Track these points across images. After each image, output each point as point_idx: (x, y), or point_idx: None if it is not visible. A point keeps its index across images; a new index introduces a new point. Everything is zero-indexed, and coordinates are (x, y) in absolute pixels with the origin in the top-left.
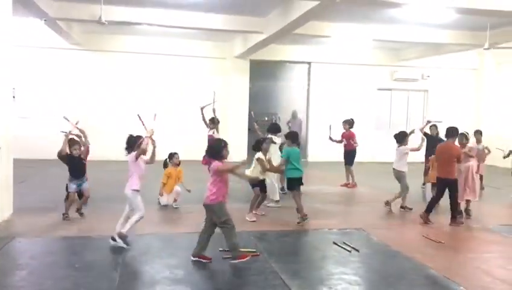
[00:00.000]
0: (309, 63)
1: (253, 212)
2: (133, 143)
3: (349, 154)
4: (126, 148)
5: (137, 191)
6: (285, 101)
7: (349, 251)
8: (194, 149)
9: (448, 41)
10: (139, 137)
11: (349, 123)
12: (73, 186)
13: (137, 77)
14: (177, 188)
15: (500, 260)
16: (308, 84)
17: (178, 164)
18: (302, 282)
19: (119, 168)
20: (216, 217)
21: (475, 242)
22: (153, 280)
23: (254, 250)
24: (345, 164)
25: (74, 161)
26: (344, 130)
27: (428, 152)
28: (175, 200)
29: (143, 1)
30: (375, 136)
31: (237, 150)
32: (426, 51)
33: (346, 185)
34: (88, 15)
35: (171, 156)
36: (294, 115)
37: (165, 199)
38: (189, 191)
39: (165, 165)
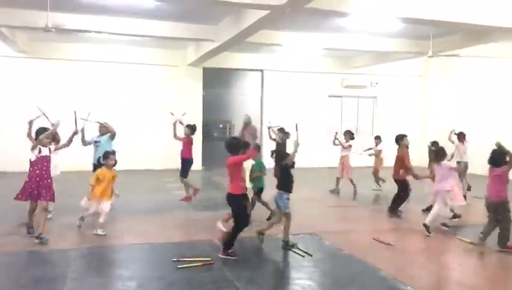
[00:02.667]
0: (262, 71)
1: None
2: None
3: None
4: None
5: None
6: (239, 108)
7: (303, 256)
8: (147, 158)
9: (394, 49)
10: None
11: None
12: None
13: (88, 85)
14: (107, 205)
15: (448, 260)
16: (262, 92)
17: (113, 166)
18: (256, 288)
19: (67, 177)
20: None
21: (423, 243)
22: None
23: (209, 259)
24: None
25: None
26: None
27: None
28: (100, 224)
29: (92, 8)
30: (326, 142)
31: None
32: (374, 58)
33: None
34: (34, 22)
35: (107, 155)
36: (247, 119)
37: (93, 205)
38: (118, 195)
39: (95, 167)
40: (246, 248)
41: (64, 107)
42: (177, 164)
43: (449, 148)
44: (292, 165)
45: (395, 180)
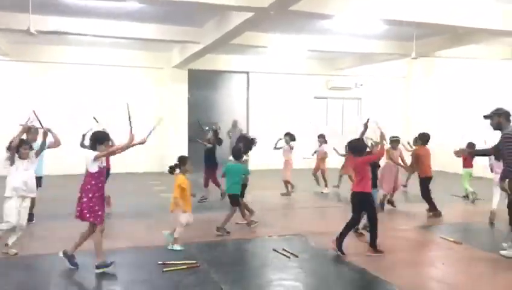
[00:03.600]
0: (247, 73)
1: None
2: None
3: None
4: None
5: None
6: (225, 110)
7: (289, 257)
8: (131, 161)
9: (378, 51)
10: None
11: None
12: None
13: (71, 88)
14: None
15: (432, 259)
16: (248, 94)
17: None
18: None
19: (50, 182)
20: None
21: (407, 242)
22: None
23: (194, 261)
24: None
25: None
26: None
27: None
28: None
29: (75, 10)
30: (313, 143)
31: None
32: (358, 60)
33: None
34: (16, 24)
35: (184, 160)
36: (234, 125)
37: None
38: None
39: (171, 171)
40: (232, 250)
41: (48, 110)
42: (161, 167)
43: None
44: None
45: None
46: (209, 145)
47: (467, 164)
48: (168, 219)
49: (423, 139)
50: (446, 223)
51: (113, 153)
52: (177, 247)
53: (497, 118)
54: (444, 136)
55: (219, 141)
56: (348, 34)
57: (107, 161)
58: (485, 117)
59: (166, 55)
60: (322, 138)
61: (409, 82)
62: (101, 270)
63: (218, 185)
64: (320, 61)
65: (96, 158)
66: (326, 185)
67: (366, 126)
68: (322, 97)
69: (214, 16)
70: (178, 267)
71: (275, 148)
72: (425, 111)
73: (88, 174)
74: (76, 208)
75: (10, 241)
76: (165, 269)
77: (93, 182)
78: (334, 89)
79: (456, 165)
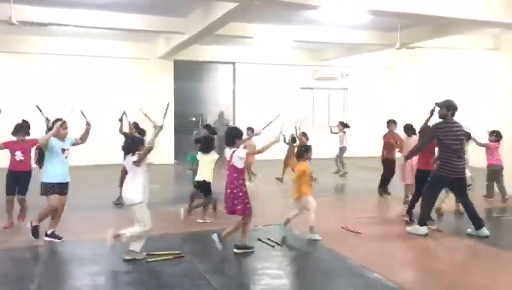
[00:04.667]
0: (233, 64)
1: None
2: None
3: None
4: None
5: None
6: (211, 101)
7: (273, 246)
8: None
9: (363, 41)
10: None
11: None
12: None
13: (55, 80)
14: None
15: (414, 247)
16: (234, 84)
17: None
18: (227, 280)
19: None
20: None
21: (390, 231)
22: (71, 288)
23: (179, 252)
24: None
25: None
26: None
27: None
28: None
29: (58, 0)
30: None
31: (164, 152)
32: (344, 51)
33: None
34: None
35: (308, 149)
36: (220, 116)
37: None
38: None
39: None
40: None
41: (30, 102)
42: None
43: None
44: None
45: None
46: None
47: None
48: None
49: (411, 130)
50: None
51: (261, 151)
52: (316, 236)
53: (446, 110)
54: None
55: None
56: (334, 24)
57: None
58: (436, 104)
59: (152, 46)
60: (250, 131)
61: (394, 72)
62: (241, 251)
63: None
64: (306, 52)
65: (246, 155)
66: (250, 179)
67: (432, 113)
68: (308, 88)
69: (199, 6)
70: (162, 258)
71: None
72: (411, 101)
73: (238, 171)
74: (226, 203)
75: (138, 246)
76: (149, 260)
77: (241, 177)
78: (320, 79)
79: None
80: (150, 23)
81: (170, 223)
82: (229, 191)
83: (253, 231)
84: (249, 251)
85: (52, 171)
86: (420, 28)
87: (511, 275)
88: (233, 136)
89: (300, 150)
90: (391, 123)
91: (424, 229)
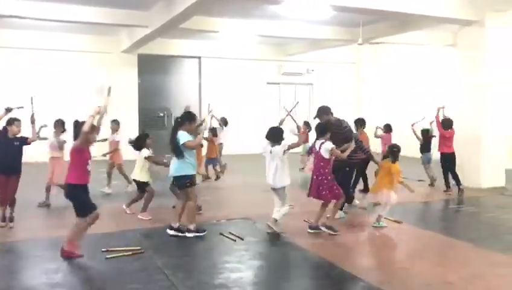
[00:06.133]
0: (199, 58)
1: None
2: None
3: None
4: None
5: None
6: (177, 96)
7: (234, 240)
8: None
9: (327, 36)
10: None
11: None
12: None
13: (14, 74)
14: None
15: (373, 240)
16: (200, 79)
17: None
18: (185, 275)
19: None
20: None
21: (351, 224)
22: (26, 286)
23: (138, 248)
24: None
25: None
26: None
27: None
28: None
29: None
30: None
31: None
32: (309, 46)
33: None
34: None
35: (396, 147)
36: (186, 110)
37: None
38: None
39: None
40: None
41: None
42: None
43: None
44: None
45: None
46: None
47: (306, 140)
48: (112, 207)
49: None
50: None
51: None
52: (383, 223)
53: (325, 116)
54: (394, 119)
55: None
56: (298, 19)
57: None
58: (314, 118)
59: (115, 39)
60: (116, 124)
61: (358, 68)
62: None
63: None
64: (272, 47)
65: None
66: (108, 185)
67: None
68: (274, 83)
69: None
70: (122, 254)
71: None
72: (375, 96)
73: (324, 160)
74: (311, 189)
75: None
76: (108, 256)
77: (327, 167)
78: (286, 74)
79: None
80: (112, 17)
81: (130, 219)
82: (315, 177)
83: (214, 225)
84: (336, 233)
85: None
86: (382, 24)
87: (464, 263)
88: (323, 130)
89: (393, 150)
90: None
91: (341, 213)
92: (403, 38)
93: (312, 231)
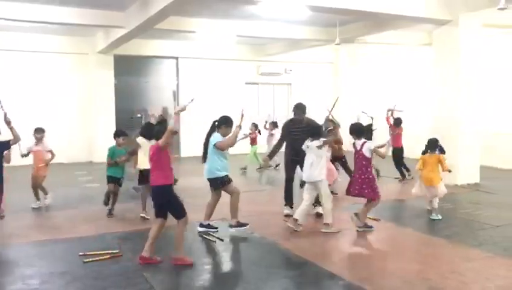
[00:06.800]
0: (177, 58)
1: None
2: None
3: None
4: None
5: None
6: (154, 97)
7: (214, 241)
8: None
9: (304, 37)
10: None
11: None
12: None
13: None
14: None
15: (350, 238)
16: (177, 80)
17: None
18: (164, 277)
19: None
20: None
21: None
22: None
23: (116, 251)
24: None
25: None
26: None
27: None
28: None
29: None
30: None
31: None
32: (287, 46)
33: None
34: None
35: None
36: (164, 112)
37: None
38: None
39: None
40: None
41: None
42: (89, 157)
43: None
44: None
45: None
46: None
47: (253, 142)
48: (90, 210)
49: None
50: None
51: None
52: (438, 216)
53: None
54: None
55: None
56: (275, 19)
57: None
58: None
59: (91, 40)
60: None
61: (336, 67)
62: (362, 229)
63: None
64: (250, 47)
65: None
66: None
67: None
68: (253, 83)
69: None
70: (100, 258)
71: None
72: (352, 95)
73: (367, 159)
74: (353, 187)
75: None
76: (86, 260)
77: (370, 165)
78: (264, 74)
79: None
80: (88, 17)
81: (108, 223)
82: (357, 176)
83: (194, 226)
84: (371, 229)
85: None
86: (358, 24)
87: (440, 259)
88: (360, 130)
89: (435, 144)
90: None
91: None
92: (380, 38)
93: (362, 230)
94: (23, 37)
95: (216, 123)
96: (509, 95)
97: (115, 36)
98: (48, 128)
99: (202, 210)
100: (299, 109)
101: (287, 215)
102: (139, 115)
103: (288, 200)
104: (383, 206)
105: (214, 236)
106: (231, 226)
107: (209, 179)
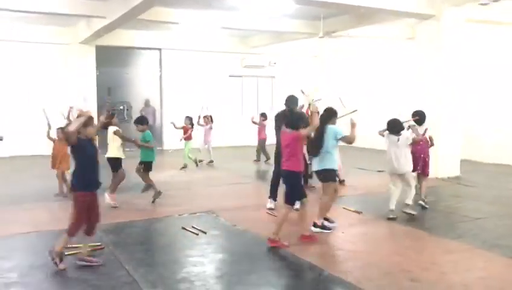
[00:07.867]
0: (160, 50)
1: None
2: None
3: None
4: None
5: None
6: (136, 88)
7: (197, 234)
8: (37, 143)
9: (288, 29)
10: None
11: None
12: None
13: None
14: None
15: (337, 233)
16: (160, 71)
17: None
18: (146, 269)
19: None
20: None
21: (312, 216)
22: None
23: (98, 243)
24: None
25: None
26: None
27: None
28: None
29: None
30: (229, 121)
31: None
32: (271, 38)
33: None
34: None
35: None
36: (147, 103)
37: None
38: None
39: None
40: (140, 231)
41: None
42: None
43: None
44: None
45: None
46: None
47: (188, 138)
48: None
49: None
50: (349, 194)
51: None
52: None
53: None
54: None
55: None
56: (259, 12)
57: None
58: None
59: (72, 30)
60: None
61: (320, 61)
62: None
63: None
64: (234, 39)
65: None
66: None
67: None
68: (237, 75)
69: None
70: (81, 250)
71: None
72: (336, 89)
73: (415, 146)
74: (419, 166)
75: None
76: (67, 253)
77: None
78: (248, 67)
79: (366, 140)
80: (70, 7)
81: None
82: (423, 155)
83: (177, 219)
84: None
85: None
86: (342, 17)
87: (421, 251)
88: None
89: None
90: None
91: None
92: (364, 31)
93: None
94: (3, 27)
95: (324, 116)
96: (490, 90)
97: (97, 26)
98: (27, 118)
99: (186, 203)
100: (291, 101)
101: (270, 209)
102: (121, 107)
103: (273, 192)
104: (366, 198)
105: (197, 229)
106: (314, 225)
107: (317, 172)
